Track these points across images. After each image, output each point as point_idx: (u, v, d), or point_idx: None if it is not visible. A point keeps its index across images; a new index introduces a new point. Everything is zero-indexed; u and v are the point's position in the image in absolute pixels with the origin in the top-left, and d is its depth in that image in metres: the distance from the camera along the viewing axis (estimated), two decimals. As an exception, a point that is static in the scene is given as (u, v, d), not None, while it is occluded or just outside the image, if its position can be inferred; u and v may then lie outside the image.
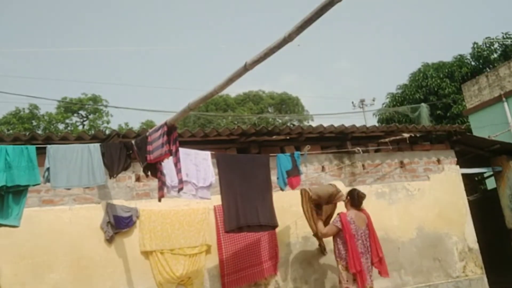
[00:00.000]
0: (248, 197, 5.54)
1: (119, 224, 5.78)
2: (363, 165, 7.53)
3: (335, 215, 6.25)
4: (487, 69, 18.76)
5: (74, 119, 26.37)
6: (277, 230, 6.36)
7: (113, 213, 5.78)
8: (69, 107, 25.58)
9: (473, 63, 20.78)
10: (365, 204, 7.31)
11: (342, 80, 60.90)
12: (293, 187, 6.28)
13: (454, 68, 20.55)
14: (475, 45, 20.21)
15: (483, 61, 20.13)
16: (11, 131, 21.43)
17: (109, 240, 5.75)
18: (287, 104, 30.49)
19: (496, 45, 19.80)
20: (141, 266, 5.83)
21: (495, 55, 19.93)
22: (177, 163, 4.57)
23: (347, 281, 5.77)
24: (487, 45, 19.78)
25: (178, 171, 4.60)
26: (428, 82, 20.65)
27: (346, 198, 6.17)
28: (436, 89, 20.46)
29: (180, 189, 4.69)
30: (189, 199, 5.69)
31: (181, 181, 4.62)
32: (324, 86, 57.91)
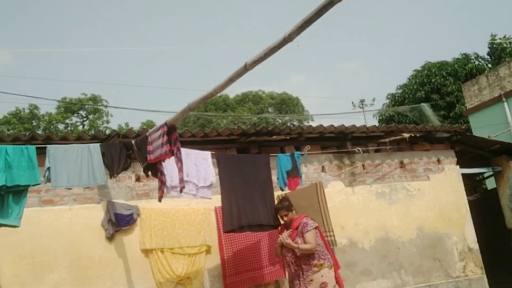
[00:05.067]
0: (249, 197, 5.54)
1: (120, 222, 5.78)
2: (363, 165, 7.53)
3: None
4: (495, 65, 18.60)
5: (74, 119, 26.38)
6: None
7: (114, 211, 5.78)
8: (69, 107, 25.57)
9: (476, 62, 20.74)
10: (366, 204, 7.35)
11: (347, 80, 60.92)
12: (291, 188, 6.28)
13: (459, 64, 20.46)
14: (493, 37, 19.96)
15: (493, 55, 19.98)
16: (11, 131, 21.43)
17: (110, 238, 5.75)
18: (287, 104, 30.48)
19: (508, 45, 19.72)
20: (141, 265, 5.83)
21: (507, 51, 19.81)
22: (178, 163, 4.57)
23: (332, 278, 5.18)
24: (501, 43, 19.65)
25: (180, 170, 4.60)
26: (432, 80, 20.54)
27: (290, 210, 5.43)
28: (439, 87, 20.37)
29: (182, 188, 4.69)
30: (190, 198, 5.69)
31: (182, 180, 4.62)
32: (330, 87, 57.92)
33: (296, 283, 5.21)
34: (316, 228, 5.30)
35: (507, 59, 18.13)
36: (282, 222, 5.51)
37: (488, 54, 20.58)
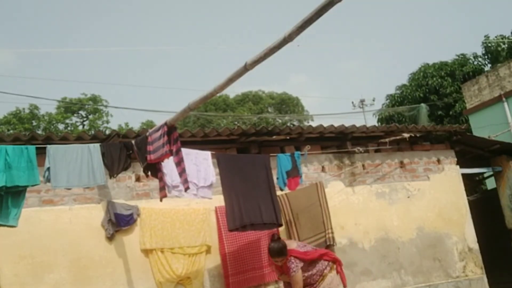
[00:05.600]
0: (250, 196, 5.55)
1: (120, 222, 5.79)
2: (363, 165, 7.54)
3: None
4: (493, 66, 18.62)
5: (74, 119, 26.37)
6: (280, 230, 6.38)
7: (114, 211, 5.79)
8: (69, 107, 25.57)
9: (475, 62, 20.75)
10: (366, 204, 7.35)
11: (347, 80, 60.88)
12: (291, 188, 6.28)
13: (455, 67, 20.52)
14: (486, 39, 20.06)
15: (490, 56, 20.02)
16: (11, 131, 21.44)
17: (110, 238, 5.75)
18: (287, 104, 30.49)
19: (504, 44, 19.74)
20: (141, 265, 5.83)
21: (503, 53, 19.84)
22: (180, 162, 4.57)
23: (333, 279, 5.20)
24: (496, 42, 19.68)
25: (182, 170, 4.60)
26: (429, 81, 20.61)
27: (286, 256, 5.06)
28: (437, 88, 20.42)
29: (186, 189, 4.70)
30: (191, 198, 5.70)
31: (186, 181, 4.63)
32: (331, 87, 57.91)
33: None
34: (300, 268, 5.02)
35: (501, 60, 18.21)
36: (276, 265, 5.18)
37: (484, 54, 20.60)
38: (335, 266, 5.28)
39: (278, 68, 59.89)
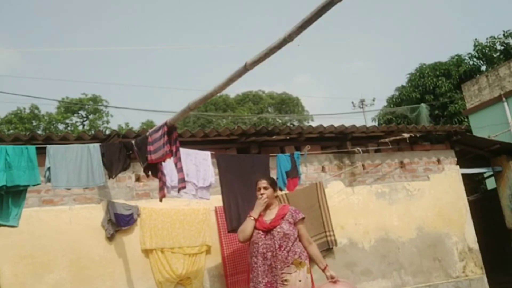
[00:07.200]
0: (248, 198, 5.54)
1: (120, 222, 5.79)
2: (363, 165, 7.53)
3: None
4: (489, 68, 18.64)
5: (74, 119, 26.39)
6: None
7: (114, 211, 5.79)
8: (69, 107, 25.59)
9: (471, 62, 20.73)
10: (366, 204, 7.35)
11: (351, 80, 60.89)
12: (290, 189, 6.27)
13: (451, 67, 20.53)
14: (476, 42, 20.11)
15: (485, 59, 20.05)
16: (11, 131, 21.44)
17: (110, 238, 5.75)
18: (287, 104, 30.49)
19: (497, 45, 19.77)
20: (141, 265, 5.83)
21: (496, 54, 19.86)
22: (177, 162, 4.57)
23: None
24: (489, 43, 19.72)
25: (179, 170, 4.60)
26: (424, 81, 20.66)
27: (274, 189, 4.65)
28: (432, 87, 20.47)
29: (181, 188, 4.68)
30: (189, 199, 5.70)
31: (182, 180, 4.62)
32: (335, 87, 57.93)
33: (263, 280, 4.31)
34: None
35: (496, 61, 18.22)
36: (259, 196, 4.58)
37: (472, 56, 20.60)
38: (307, 266, 4.38)
39: (281, 68, 59.97)
